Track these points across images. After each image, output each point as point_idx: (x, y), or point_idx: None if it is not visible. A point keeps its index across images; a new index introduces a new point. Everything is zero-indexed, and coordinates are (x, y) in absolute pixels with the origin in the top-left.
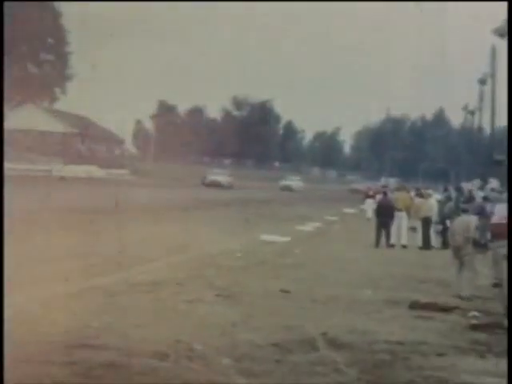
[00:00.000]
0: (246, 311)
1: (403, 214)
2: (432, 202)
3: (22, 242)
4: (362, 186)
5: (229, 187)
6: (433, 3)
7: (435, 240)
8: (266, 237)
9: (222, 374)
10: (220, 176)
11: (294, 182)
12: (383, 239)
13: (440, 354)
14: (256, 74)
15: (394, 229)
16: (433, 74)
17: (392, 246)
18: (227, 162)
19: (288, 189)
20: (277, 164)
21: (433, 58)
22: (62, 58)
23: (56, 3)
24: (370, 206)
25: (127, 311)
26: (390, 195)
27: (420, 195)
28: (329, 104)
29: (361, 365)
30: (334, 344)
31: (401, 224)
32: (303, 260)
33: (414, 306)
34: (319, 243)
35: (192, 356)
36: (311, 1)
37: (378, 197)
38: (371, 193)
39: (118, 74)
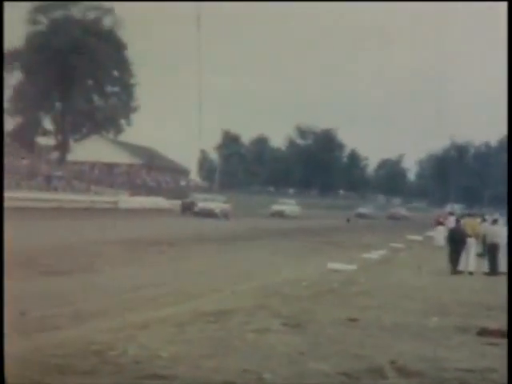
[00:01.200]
0: (314, 340)
1: (472, 241)
2: (499, 228)
3: (90, 274)
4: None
5: (294, 217)
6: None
7: (502, 265)
8: (332, 265)
9: None
10: (284, 206)
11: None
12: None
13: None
14: (319, 103)
15: (462, 255)
16: (497, 101)
17: (460, 272)
18: (291, 191)
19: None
20: (341, 192)
21: (497, 84)
22: (127, 89)
23: (119, 36)
24: (440, 233)
25: (195, 341)
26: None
27: (483, 221)
28: (392, 131)
29: None
30: (403, 372)
31: (469, 250)
32: (370, 288)
33: (483, 332)
34: (385, 271)
35: None
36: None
37: (448, 223)
38: (441, 220)
39: (182, 105)
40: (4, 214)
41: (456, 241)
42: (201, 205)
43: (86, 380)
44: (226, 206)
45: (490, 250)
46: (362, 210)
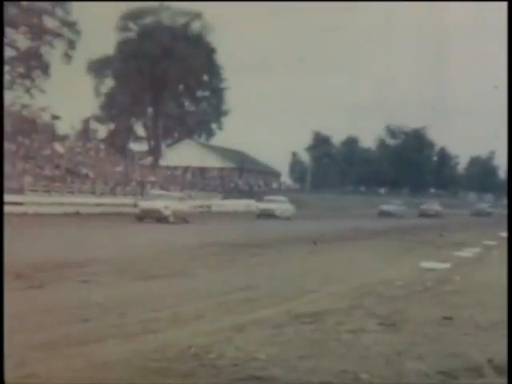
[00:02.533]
0: (410, 339)
1: None
2: None
3: (186, 277)
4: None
5: (400, 216)
6: None
7: None
8: (425, 264)
9: None
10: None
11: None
12: None
13: None
14: (408, 101)
15: None
16: None
17: None
18: (382, 190)
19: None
20: (432, 191)
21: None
22: (218, 93)
23: (208, 40)
24: None
25: (291, 343)
26: None
27: None
28: (482, 128)
29: None
30: (502, 370)
31: None
32: (464, 286)
33: None
34: (479, 269)
35: None
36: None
37: None
38: None
39: (272, 107)
40: (4, 216)
41: None
42: (261, 206)
43: (185, 383)
44: (288, 207)
45: None
46: (386, 207)
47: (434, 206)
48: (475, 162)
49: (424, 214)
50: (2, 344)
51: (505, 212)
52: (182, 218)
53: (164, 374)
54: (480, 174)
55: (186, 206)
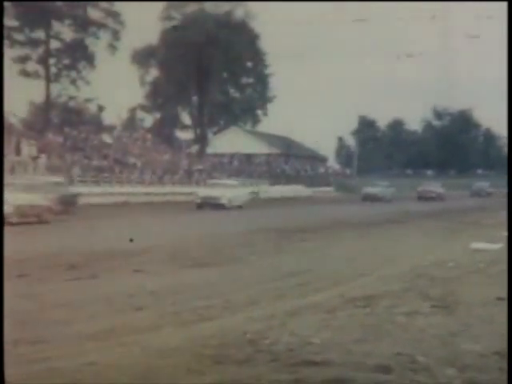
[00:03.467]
0: (464, 321)
1: None
2: None
3: (237, 264)
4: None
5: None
6: None
7: None
8: (476, 245)
9: None
10: (432, 187)
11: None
12: None
13: None
14: (453, 83)
15: None
16: None
17: None
18: (430, 172)
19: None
20: (480, 172)
21: None
22: (262, 80)
23: (252, 27)
24: None
25: (345, 327)
26: None
27: None
28: None
29: None
30: None
31: None
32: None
33: None
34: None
35: (415, 368)
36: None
37: None
38: None
39: (317, 92)
40: (4, 213)
41: None
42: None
43: (243, 369)
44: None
45: None
46: (371, 190)
47: (433, 187)
48: None
49: (422, 197)
50: (1, 344)
51: None
52: (236, 206)
53: (221, 361)
54: None
55: (239, 193)
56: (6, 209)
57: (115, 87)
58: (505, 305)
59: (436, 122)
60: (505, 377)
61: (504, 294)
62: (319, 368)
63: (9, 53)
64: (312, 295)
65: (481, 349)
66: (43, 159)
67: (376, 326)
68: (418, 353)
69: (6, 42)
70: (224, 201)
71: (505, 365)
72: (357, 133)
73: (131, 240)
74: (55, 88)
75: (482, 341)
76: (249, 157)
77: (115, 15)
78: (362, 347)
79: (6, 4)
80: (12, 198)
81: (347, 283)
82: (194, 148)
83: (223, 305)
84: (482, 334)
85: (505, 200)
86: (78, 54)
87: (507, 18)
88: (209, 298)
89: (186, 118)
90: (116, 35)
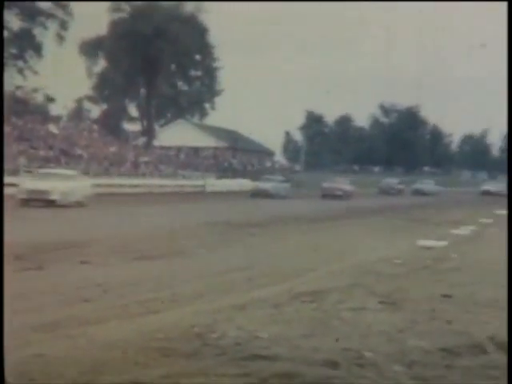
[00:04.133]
0: (411, 317)
1: None
2: None
3: (184, 257)
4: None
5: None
6: None
7: None
8: (422, 242)
9: (395, 380)
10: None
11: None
12: None
13: None
14: (402, 79)
15: None
16: None
17: None
18: (376, 169)
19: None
20: (426, 169)
21: None
22: (211, 73)
23: (201, 20)
24: None
25: (293, 321)
26: None
27: None
28: (476, 106)
29: None
30: (503, 347)
31: None
32: (462, 264)
33: None
34: (476, 246)
35: (363, 363)
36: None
37: None
38: None
39: (265, 86)
40: (4, 211)
41: None
42: (259, 185)
43: (190, 362)
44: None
45: None
46: (262, 185)
47: (339, 184)
48: (468, 140)
49: (328, 195)
50: (1, 344)
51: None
52: (74, 202)
53: (168, 354)
54: (473, 152)
55: (77, 187)
56: None
57: (62, 77)
58: (450, 302)
59: (383, 119)
60: (451, 373)
61: (450, 291)
62: (267, 362)
63: None
64: (259, 290)
65: (427, 345)
66: None
67: (323, 321)
68: (365, 348)
69: None
70: (55, 196)
71: (450, 361)
72: (304, 128)
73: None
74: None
75: (428, 337)
76: (196, 150)
77: (64, 5)
78: (309, 342)
79: None
80: None
81: (295, 278)
82: (141, 140)
83: (170, 298)
84: (428, 331)
85: (418, 199)
86: (26, 44)
87: (507, 17)
88: (156, 290)
89: (133, 110)
90: (64, 25)
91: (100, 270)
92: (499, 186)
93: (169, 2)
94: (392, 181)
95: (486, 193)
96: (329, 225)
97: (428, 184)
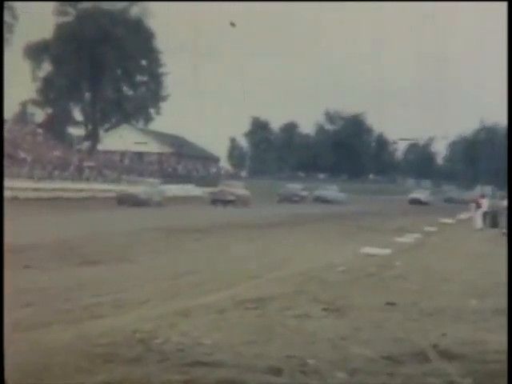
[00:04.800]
0: (354, 325)
1: None
2: None
3: (128, 263)
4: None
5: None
6: None
7: None
8: (366, 250)
9: None
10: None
11: None
12: None
13: None
14: (347, 87)
15: None
16: None
17: None
18: (321, 176)
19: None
20: (371, 176)
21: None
22: (156, 78)
23: (147, 25)
24: (479, 215)
25: (236, 328)
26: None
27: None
28: (421, 115)
29: (475, 375)
30: (446, 355)
31: None
32: (406, 272)
33: None
34: (420, 254)
35: (306, 370)
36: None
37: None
38: (480, 202)
39: (211, 92)
40: (4, 212)
41: None
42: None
43: (132, 368)
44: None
45: None
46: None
47: (233, 188)
48: (413, 148)
49: (219, 200)
50: (1, 344)
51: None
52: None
53: (111, 360)
54: (418, 160)
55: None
56: None
57: (7, 80)
58: (394, 310)
59: (329, 126)
60: (394, 381)
61: (394, 299)
62: (210, 369)
63: None
64: (203, 296)
65: (370, 353)
66: None
67: (267, 328)
68: (309, 356)
69: None
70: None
71: (393, 369)
72: (250, 134)
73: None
74: None
75: (371, 345)
76: (140, 155)
77: (9, 8)
78: (253, 349)
79: None
80: None
81: (239, 284)
82: (85, 144)
83: (113, 303)
84: (372, 339)
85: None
86: None
87: (507, 18)
88: (99, 295)
89: (77, 114)
90: (9, 28)
91: (43, 274)
92: (427, 194)
93: (114, 7)
94: (295, 187)
95: (415, 202)
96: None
97: (331, 191)
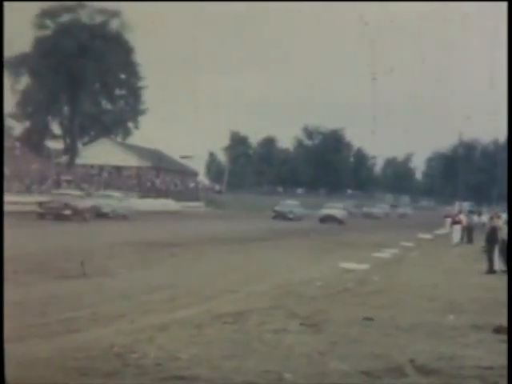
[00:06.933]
0: (332, 339)
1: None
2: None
3: (106, 277)
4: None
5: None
6: None
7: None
8: (344, 265)
9: None
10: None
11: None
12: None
13: None
14: (326, 102)
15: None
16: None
17: (495, 272)
18: (300, 190)
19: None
20: (349, 191)
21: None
22: (135, 92)
23: (126, 39)
24: (457, 231)
25: (213, 342)
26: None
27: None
28: (399, 130)
29: None
30: (423, 370)
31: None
32: (383, 287)
33: (499, 330)
34: (398, 270)
35: None
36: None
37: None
38: (458, 218)
39: (190, 107)
40: (4, 217)
41: (493, 239)
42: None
43: (109, 382)
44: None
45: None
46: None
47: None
48: (391, 163)
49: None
50: (2, 344)
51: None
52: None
53: (87, 374)
54: (396, 176)
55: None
56: None
57: None
58: (371, 325)
59: (307, 141)
60: None
61: (371, 314)
62: (187, 383)
63: None
64: (180, 310)
65: (347, 367)
66: None
67: (244, 342)
68: (286, 370)
69: None
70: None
71: None
72: (228, 149)
73: None
74: None
75: (349, 360)
76: (118, 169)
77: None
78: (230, 363)
79: None
80: None
81: (216, 299)
82: (64, 158)
83: (91, 317)
84: (349, 354)
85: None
86: None
87: (507, 18)
88: (76, 309)
89: (56, 128)
90: None
91: (19, 288)
92: (341, 210)
93: (93, 21)
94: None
95: (326, 219)
96: None
97: (291, 206)
